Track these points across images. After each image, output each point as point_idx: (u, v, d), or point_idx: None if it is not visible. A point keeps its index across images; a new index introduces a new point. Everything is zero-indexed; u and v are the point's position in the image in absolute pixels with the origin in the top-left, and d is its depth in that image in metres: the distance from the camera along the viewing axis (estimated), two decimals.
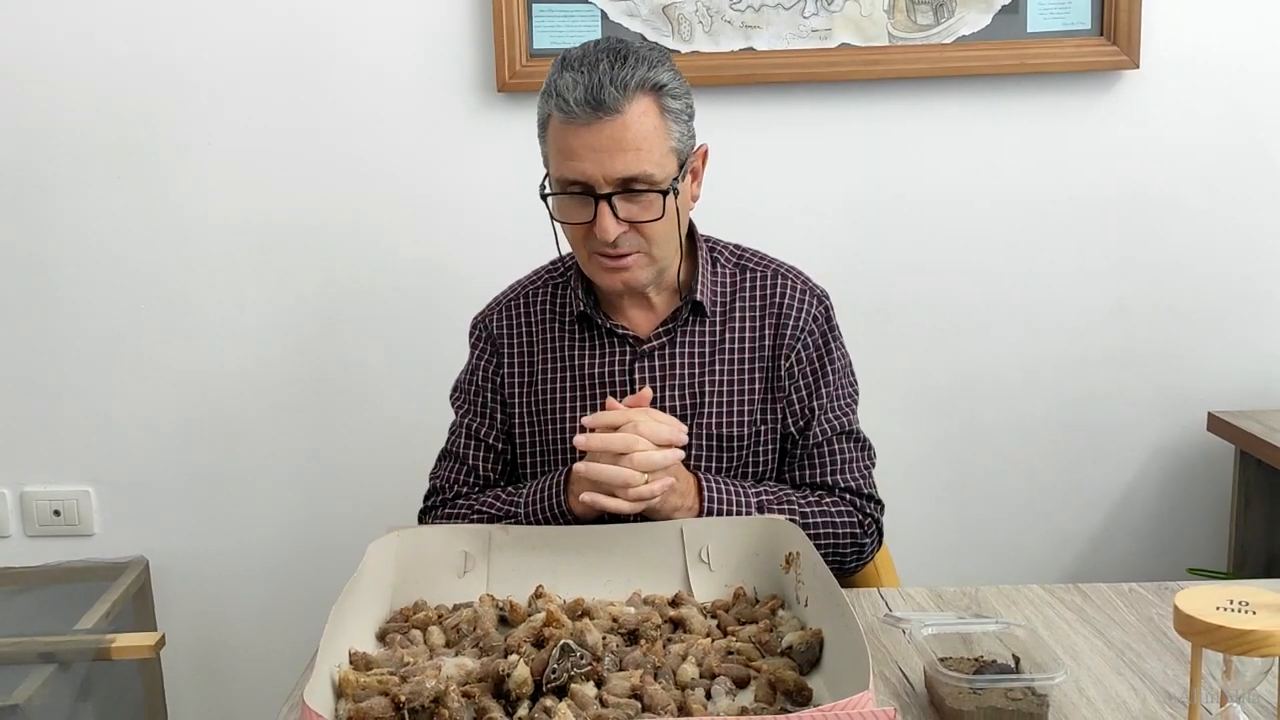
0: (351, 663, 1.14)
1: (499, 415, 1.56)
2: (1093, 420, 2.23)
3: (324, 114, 2.14)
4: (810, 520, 1.44)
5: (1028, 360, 2.21)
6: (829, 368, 1.53)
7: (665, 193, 1.38)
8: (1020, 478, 2.25)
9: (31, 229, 2.18)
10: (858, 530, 1.48)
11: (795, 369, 1.51)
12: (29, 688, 1.73)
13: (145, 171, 2.16)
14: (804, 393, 1.51)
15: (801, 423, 1.51)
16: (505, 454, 1.57)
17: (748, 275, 1.54)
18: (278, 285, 2.20)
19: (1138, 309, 2.20)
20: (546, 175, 1.44)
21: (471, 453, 1.57)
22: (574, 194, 1.39)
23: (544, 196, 1.43)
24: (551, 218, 1.44)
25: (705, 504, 1.41)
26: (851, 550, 1.48)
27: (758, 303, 1.53)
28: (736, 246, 1.59)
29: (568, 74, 1.35)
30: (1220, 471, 2.19)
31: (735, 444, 1.50)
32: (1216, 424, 2.11)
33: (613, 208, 1.37)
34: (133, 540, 2.27)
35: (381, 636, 1.24)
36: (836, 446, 1.51)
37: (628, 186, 1.36)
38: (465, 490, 1.56)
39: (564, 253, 1.52)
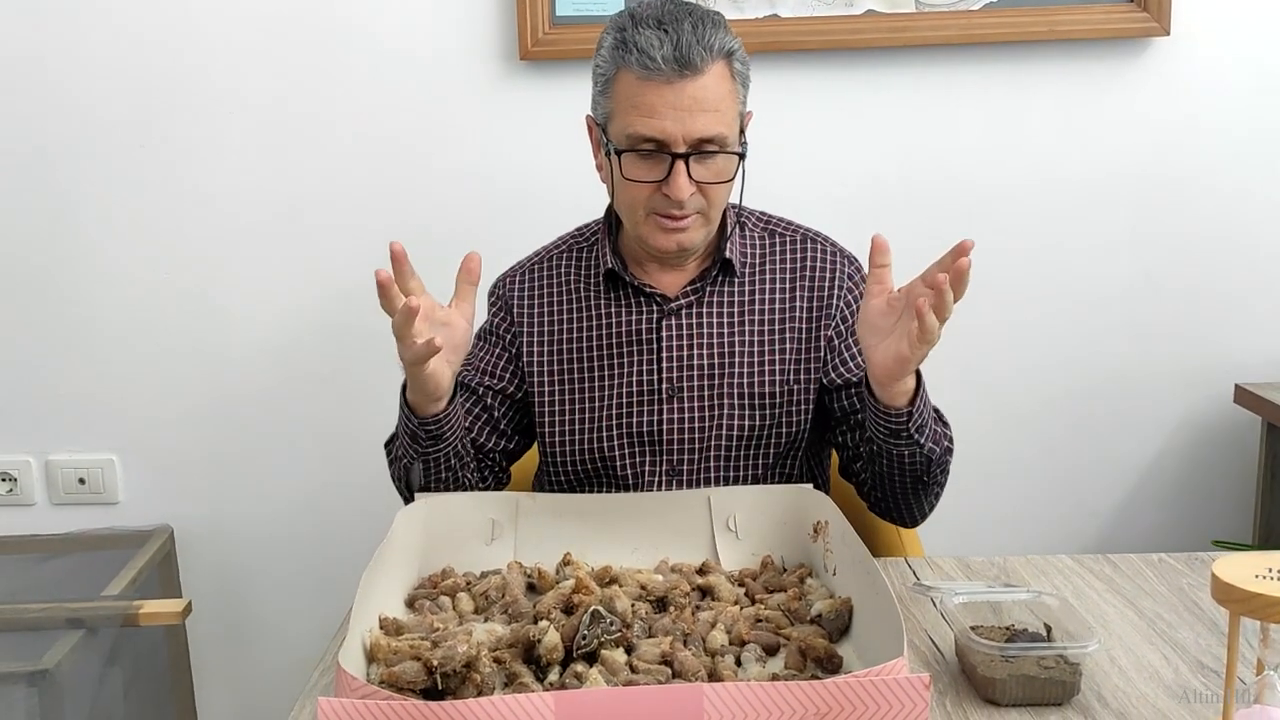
0: (382, 628, 1.14)
1: (509, 372, 1.55)
2: (1118, 393, 2.21)
3: (343, 86, 2.13)
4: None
5: (1053, 332, 2.19)
6: None
7: (740, 155, 1.40)
8: (1045, 451, 2.24)
9: (56, 200, 2.18)
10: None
11: (843, 327, 1.52)
12: (58, 652, 1.74)
13: (168, 145, 2.15)
14: (858, 344, 1.49)
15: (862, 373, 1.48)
16: (485, 399, 1.55)
17: (776, 239, 1.55)
18: (300, 255, 2.19)
19: (1165, 281, 2.18)
20: (602, 129, 1.43)
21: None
22: (646, 151, 1.38)
23: (614, 153, 1.39)
24: (612, 173, 1.42)
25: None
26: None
27: (788, 266, 1.53)
28: (762, 212, 1.59)
29: (648, 31, 1.35)
30: (1246, 444, 2.18)
31: (767, 402, 1.50)
32: (1243, 396, 2.10)
33: (688, 167, 1.36)
34: (157, 508, 2.28)
35: (410, 603, 1.25)
36: None
37: (702, 148, 1.37)
38: None
39: (615, 206, 1.49)
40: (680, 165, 1.36)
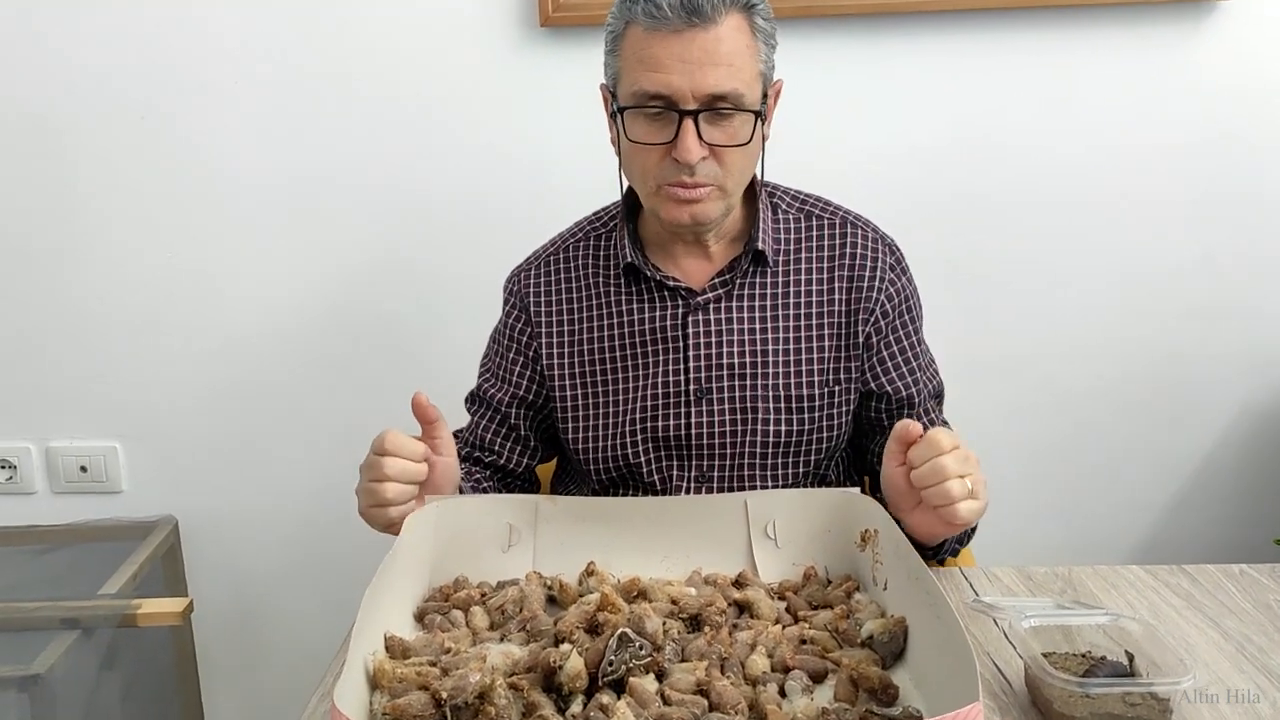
0: (388, 649, 1.04)
1: (526, 378, 1.45)
2: (1175, 380, 2.09)
3: (355, 56, 2.00)
4: None
5: (1108, 316, 2.07)
6: (917, 323, 1.43)
7: (757, 115, 1.26)
8: (1098, 440, 2.11)
9: (57, 181, 2.07)
10: None
11: (883, 323, 1.39)
12: (51, 656, 1.65)
13: (173, 121, 2.04)
14: (894, 348, 1.41)
15: (900, 384, 1.40)
16: (509, 416, 1.47)
17: (813, 222, 1.42)
18: (311, 236, 2.08)
19: (1226, 260, 2.04)
20: (613, 93, 1.31)
21: (477, 410, 1.50)
22: (654, 110, 1.25)
23: (617, 112, 1.29)
24: (619, 140, 1.31)
25: None
26: None
27: (825, 253, 1.40)
28: (797, 192, 1.46)
29: None
30: None
31: (806, 405, 1.38)
32: None
33: (698, 127, 1.24)
34: (162, 498, 2.19)
35: (420, 617, 1.14)
36: (933, 405, 1.45)
37: (715, 105, 1.24)
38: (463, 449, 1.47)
39: (628, 178, 1.37)
40: (689, 124, 1.24)
